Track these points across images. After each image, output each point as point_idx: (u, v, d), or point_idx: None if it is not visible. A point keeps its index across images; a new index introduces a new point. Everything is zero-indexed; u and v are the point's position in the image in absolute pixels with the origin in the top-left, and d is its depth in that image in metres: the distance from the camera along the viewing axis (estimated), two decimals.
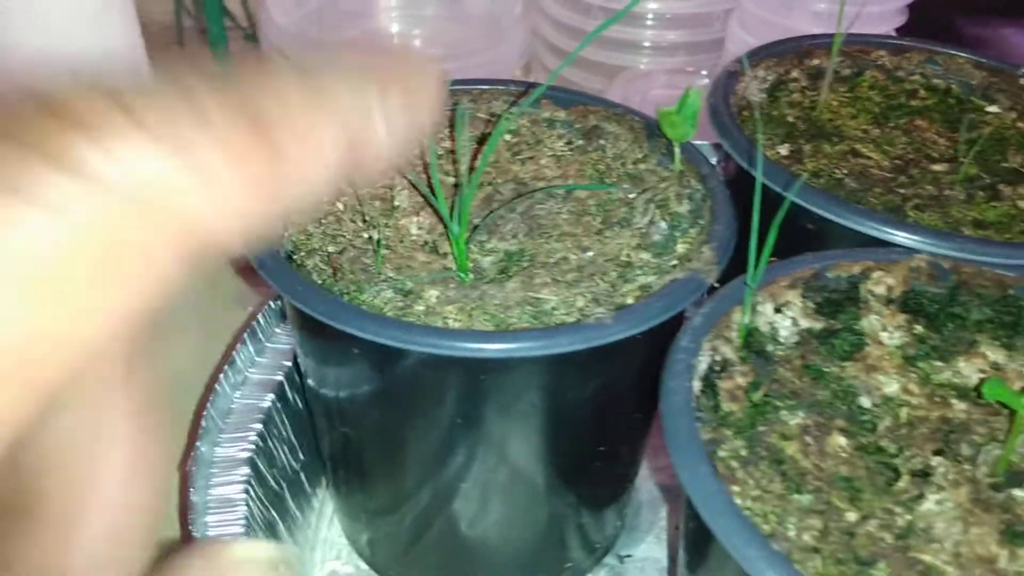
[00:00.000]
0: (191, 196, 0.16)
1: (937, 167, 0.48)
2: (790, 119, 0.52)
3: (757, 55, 0.53)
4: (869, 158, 0.49)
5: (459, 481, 0.42)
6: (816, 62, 0.55)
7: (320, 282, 0.40)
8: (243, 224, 0.16)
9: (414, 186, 0.45)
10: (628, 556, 0.52)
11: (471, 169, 0.48)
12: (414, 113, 0.19)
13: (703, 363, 0.35)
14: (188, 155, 0.15)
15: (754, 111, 0.52)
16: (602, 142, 0.49)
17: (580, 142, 0.49)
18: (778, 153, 0.49)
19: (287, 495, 0.47)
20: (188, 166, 0.15)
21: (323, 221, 0.44)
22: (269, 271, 0.38)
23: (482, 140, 0.49)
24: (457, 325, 0.38)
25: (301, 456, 0.49)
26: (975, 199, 0.46)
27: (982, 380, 0.37)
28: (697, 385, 0.35)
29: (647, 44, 0.84)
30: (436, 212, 0.44)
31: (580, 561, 0.50)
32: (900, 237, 0.40)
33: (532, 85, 0.51)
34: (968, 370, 0.37)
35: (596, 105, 0.49)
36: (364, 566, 0.49)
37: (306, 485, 0.50)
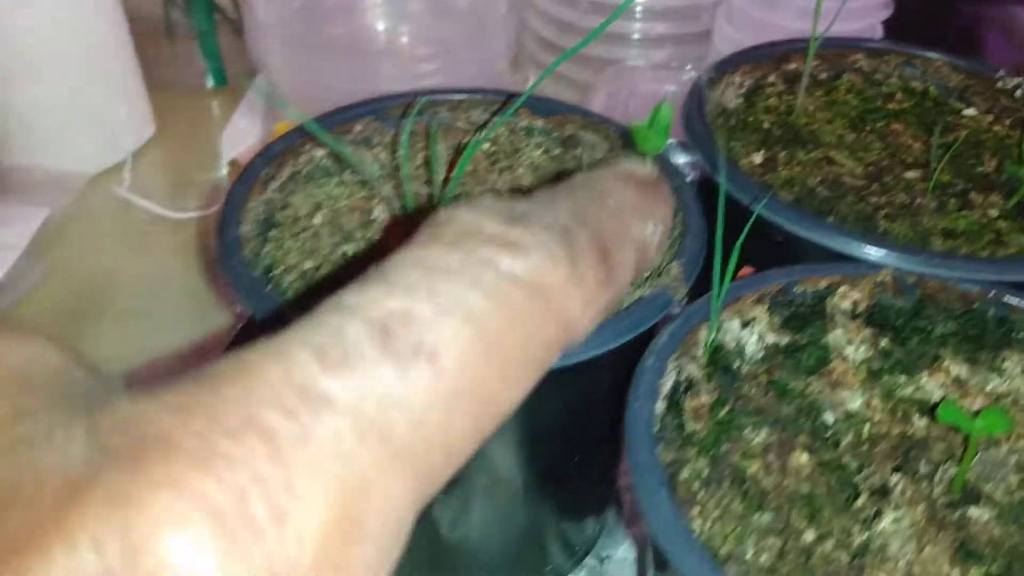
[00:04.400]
0: (571, 299, 0.20)
1: (910, 174, 0.49)
2: (766, 125, 0.52)
3: (735, 60, 0.54)
4: (843, 165, 0.49)
5: (442, 493, 0.43)
6: (793, 66, 0.55)
7: (295, 299, 0.41)
8: (596, 320, 0.22)
9: (390, 199, 0.46)
10: (608, 557, 0.53)
11: (446, 180, 0.48)
12: (665, 232, 0.26)
13: (668, 382, 0.36)
14: (573, 267, 0.21)
15: (728, 119, 0.52)
16: (579, 151, 0.49)
17: (558, 151, 0.50)
18: (752, 161, 0.49)
19: None
20: (574, 277, 0.20)
21: (301, 236, 0.45)
22: (244, 290, 0.39)
23: (461, 150, 0.50)
24: None
25: None
26: (946, 207, 0.47)
27: (943, 397, 0.38)
28: (661, 405, 0.35)
29: (636, 36, 0.84)
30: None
31: (560, 564, 0.51)
32: (867, 252, 0.41)
33: (512, 95, 0.51)
34: (930, 385, 0.38)
35: (574, 114, 0.50)
36: None
37: None
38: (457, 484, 0.43)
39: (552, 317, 0.20)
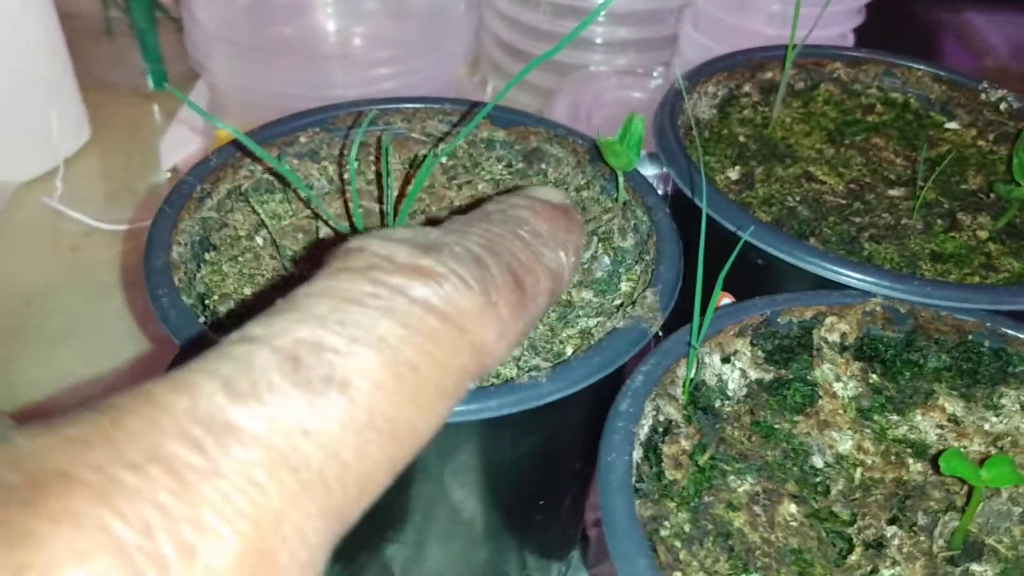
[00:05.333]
0: (485, 327, 0.20)
1: (894, 192, 0.46)
2: (741, 138, 0.49)
3: (707, 69, 0.51)
4: (823, 182, 0.46)
5: (395, 533, 0.39)
6: (769, 75, 0.52)
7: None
8: (511, 348, 0.21)
9: (332, 220, 0.42)
10: None
11: (402, 195, 0.45)
12: (578, 256, 0.26)
13: (645, 427, 0.33)
14: (486, 295, 0.20)
15: (702, 131, 0.49)
16: (543, 166, 0.46)
17: (520, 165, 0.46)
18: (728, 178, 0.46)
19: None
20: (487, 305, 0.20)
21: (240, 259, 0.41)
22: (172, 325, 0.35)
23: (416, 164, 0.46)
24: None
25: None
26: (933, 228, 0.44)
27: (939, 437, 0.35)
28: (638, 453, 0.32)
29: (599, 41, 0.80)
30: None
31: None
32: (854, 279, 0.38)
33: (472, 104, 0.47)
34: (925, 424, 0.35)
35: (537, 126, 0.46)
36: None
37: None
38: (412, 524, 0.40)
39: (466, 345, 0.20)
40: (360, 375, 0.17)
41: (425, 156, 0.46)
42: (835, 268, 0.38)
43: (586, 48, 0.81)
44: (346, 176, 0.45)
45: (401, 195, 0.44)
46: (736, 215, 0.40)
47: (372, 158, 0.46)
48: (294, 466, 0.16)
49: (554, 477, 0.41)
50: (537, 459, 0.38)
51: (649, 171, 0.59)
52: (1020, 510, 0.32)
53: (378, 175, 0.45)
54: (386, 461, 0.18)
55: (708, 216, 0.41)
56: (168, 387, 0.16)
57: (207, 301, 0.38)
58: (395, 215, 0.42)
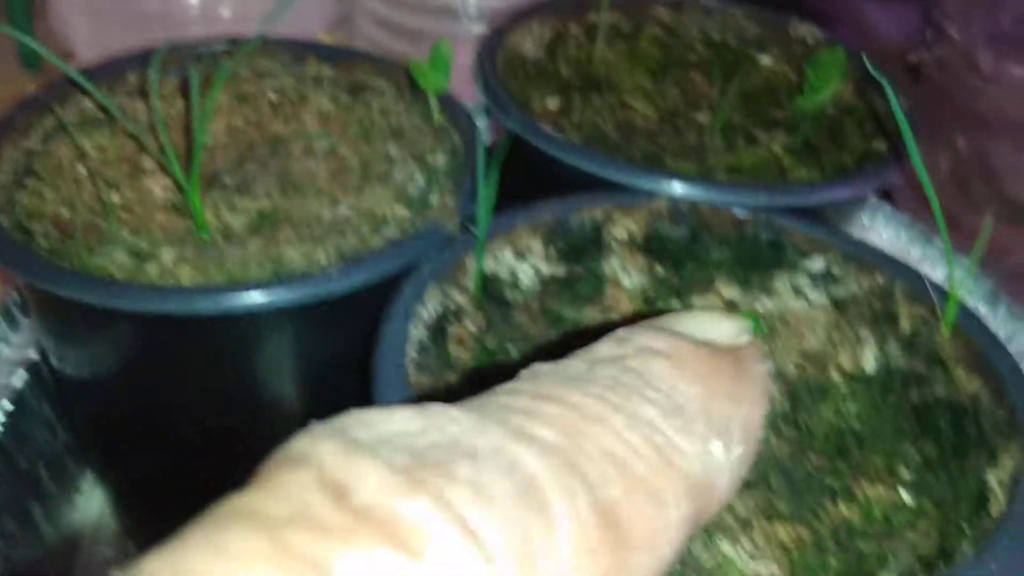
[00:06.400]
0: None
1: (702, 117, 0.49)
2: (565, 74, 0.52)
3: (534, 10, 0.53)
4: (636, 110, 0.49)
5: (212, 446, 0.41)
6: (594, 18, 0.55)
7: (47, 247, 0.38)
8: None
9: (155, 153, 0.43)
10: None
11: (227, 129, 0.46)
12: (753, 442, 0.16)
13: (431, 310, 0.35)
14: (529, 567, 0.12)
15: (527, 68, 0.51)
16: (368, 97, 0.48)
17: (346, 99, 0.48)
18: (547, 107, 0.49)
19: (44, 476, 0.45)
20: None
21: (61, 185, 0.42)
22: None
23: (244, 99, 0.48)
24: (191, 284, 0.37)
25: (62, 435, 0.46)
26: (734, 146, 0.47)
27: None
28: (423, 332, 0.34)
29: (472, 9, 0.83)
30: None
31: None
32: (643, 181, 0.40)
33: (303, 44, 0.49)
34: (702, 305, 0.38)
35: (363, 60, 0.48)
36: (133, 548, 0.47)
37: (71, 466, 0.47)
38: (227, 444, 0.41)
39: None
40: None
41: (253, 93, 0.48)
42: (624, 172, 0.40)
43: (456, 18, 0.83)
44: (175, 112, 0.46)
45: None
46: (519, 119, 0.43)
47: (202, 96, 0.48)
48: None
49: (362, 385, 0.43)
50: (347, 361, 0.40)
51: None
52: (774, 368, 0.35)
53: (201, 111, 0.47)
54: None
55: (525, 140, 0.43)
56: None
57: (23, 223, 0.39)
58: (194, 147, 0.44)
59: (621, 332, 0.17)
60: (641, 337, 0.17)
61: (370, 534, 0.11)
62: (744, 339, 0.18)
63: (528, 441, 0.13)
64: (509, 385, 0.15)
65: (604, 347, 0.17)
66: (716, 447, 0.15)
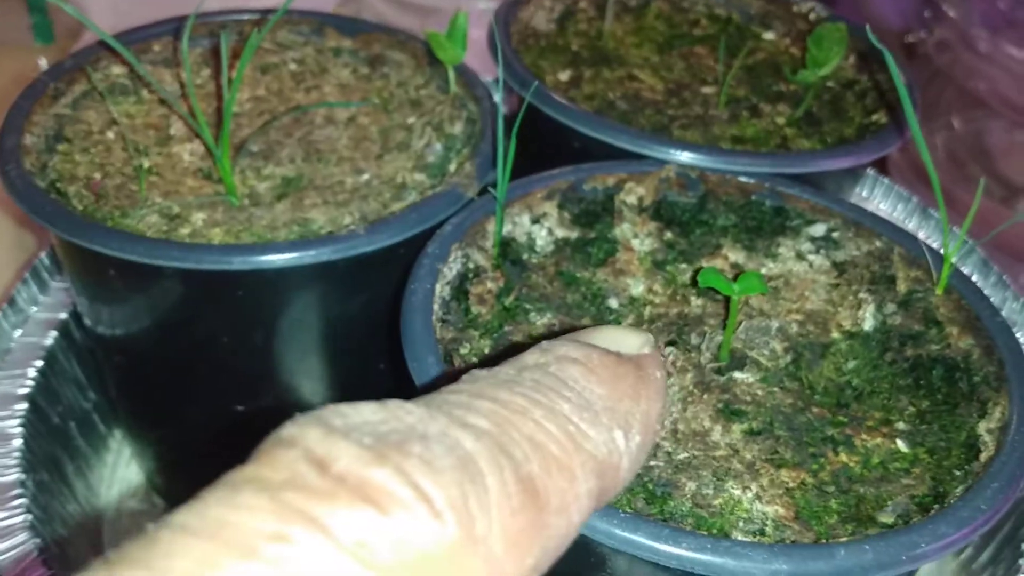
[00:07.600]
0: (471, 569, 0.15)
1: (708, 90, 0.51)
2: (575, 48, 0.53)
3: None
4: (644, 83, 0.51)
5: (240, 403, 0.43)
6: None
7: (81, 208, 0.40)
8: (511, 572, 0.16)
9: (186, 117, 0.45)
10: None
11: (252, 99, 0.48)
12: (650, 434, 0.20)
13: (454, 269, 0.37)
14: (467, 527, 0.15)
15: (539, 41, 0.53)
16: (386, 70, 0.49)
17: (365, 70, 0.50)
18: (558, 79, 0.50)
19: (75, 433, 0.47)
20: (466, 542, 0.15)
21: (92, 150, 0.43)
22: (22, 197, 0.37)
23: (266, 70, 0.49)
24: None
25: (91, 395, 0.48)
26: (739, 118, 0.49)
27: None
28: (446, 290, 0.36)
29: None
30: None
31: None
32: (654, 150, 0.42)
33: (324, 16, 0.51)
34: (709, 266, 0.40)
35: (381, 33, 0.50)
36: (160, 502, 0.49)
37: (100, 425, 0.49)
38: (259, 399, 0.43)
39: None
40: None
41: (276, 64, 0.49)
42: (635, 140, 0.42)
43: None
44: (201, 81, 0.48)
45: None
46: (554, 102, 0.44)
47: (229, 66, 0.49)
48: None
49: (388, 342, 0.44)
50: (370, 319, 0.42)
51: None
52: (781, 327, 0.37)
53: (229, 81, 0.48)
54: None
55: (540, 111, 0.45)
56: None
57: (58, 185, 0.41)
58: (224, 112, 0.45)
59: (545, 344, 0.21)
60: (561, 348, 0.21)
61: (347, 494, 0.15)
62: (647, 350, 0.22)
63: (466, 428, 0.17)
64: (453, 386, 0.19)
65: (530, 356, 0.21)
66: (619, 436, 0.19)
